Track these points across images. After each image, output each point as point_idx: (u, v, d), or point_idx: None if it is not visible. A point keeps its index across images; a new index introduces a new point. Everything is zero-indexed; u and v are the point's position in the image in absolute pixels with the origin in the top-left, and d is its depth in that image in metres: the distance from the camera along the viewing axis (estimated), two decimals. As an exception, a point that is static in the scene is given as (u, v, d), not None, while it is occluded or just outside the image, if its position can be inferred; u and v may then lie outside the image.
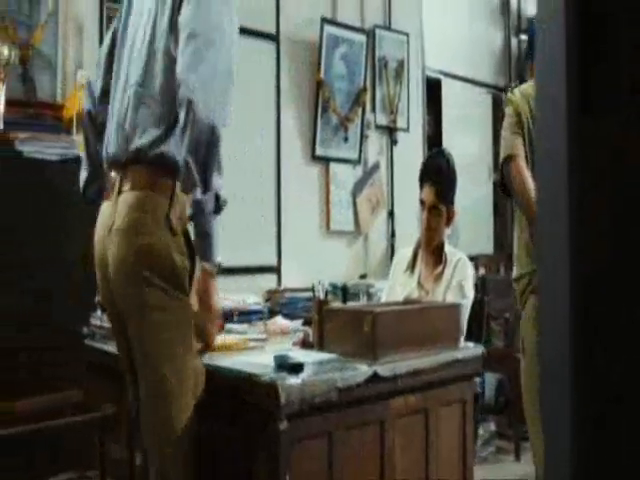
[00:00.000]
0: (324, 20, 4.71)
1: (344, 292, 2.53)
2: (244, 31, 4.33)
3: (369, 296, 4.29)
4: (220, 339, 2.42)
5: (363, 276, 4.77)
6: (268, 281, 4.29)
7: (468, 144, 5.85)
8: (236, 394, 1.90)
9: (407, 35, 5.33)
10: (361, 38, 4.98)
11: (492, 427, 4.36)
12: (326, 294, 2.36)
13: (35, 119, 3.27)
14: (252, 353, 2.24)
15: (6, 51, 3.19)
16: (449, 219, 2.93)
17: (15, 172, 2.95)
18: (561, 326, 0.79)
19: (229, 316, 2.80)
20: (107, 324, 2.54)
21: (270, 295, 4.03)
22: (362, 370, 1.98)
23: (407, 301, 2.62)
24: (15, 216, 2.88)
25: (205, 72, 1.77)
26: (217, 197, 1.81)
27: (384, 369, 2.03)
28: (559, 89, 0.77)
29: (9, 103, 3.17)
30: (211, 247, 1.83)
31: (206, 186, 1.77)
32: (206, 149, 1.76)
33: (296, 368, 1.88)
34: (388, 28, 5.24)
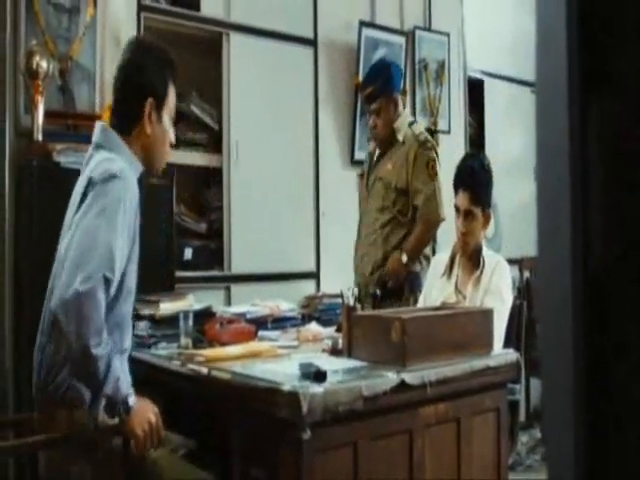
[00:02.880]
0: (362, 23, 4.68)
1: (374, 298, 2.50)
2: (281, 36, 4.35)
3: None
4: (249, 346, 2.42)
5: (404, 281, 4.70)
6: (307, 287, 4.27)
7: (512, 145, 5.73)
8: (258, 403, 1.88)
9: (448, 35, 5.26)
10: (400, 40, 4.93)
11: (538, 435, 4.25)
12: (355, 300, 2.32)
13: (73, 130, 3.33)
14: (279, 361, 2.22)
15: (45, 64, 3.24)
16: (485, 222, 2.86)
17: (53, 182, 2.99)
18: (564, 331, 0.75)
19: (263, 323, 2.78)
20: (142, 332, 2.57)
21: (309, 301, 4.02)
22: (389, 378, 1.94)
23: (443, 306, 2.56)
24: (52, 226, 2.92)
25: (70, 295, 1.79)
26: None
27: (412, 377, 1.99)
28: (560, 67, 0.72)
29: (48, 114, 3.23)
30: None
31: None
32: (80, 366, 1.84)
33: (319, 376, 1.85)
34: (428, 29, 5.17)
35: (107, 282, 1.81)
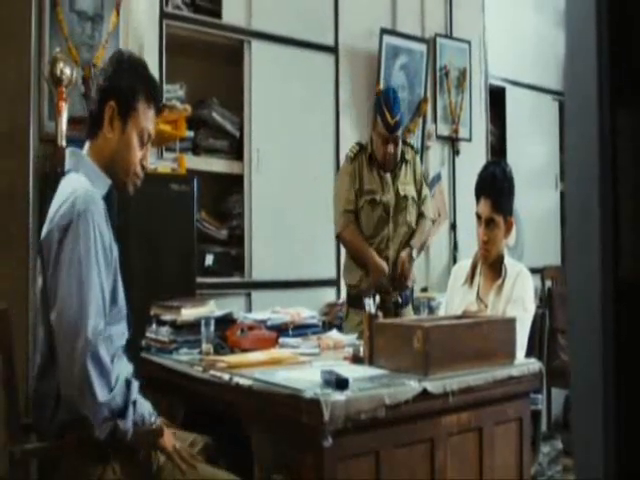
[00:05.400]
0: (383, 31, 4.68)
1: (396, 306, 2.49)
2: (302, 44, 4.36)
3: (430, 310, 4.22)
4: (271, 353, 2.42)
5: (424, 289, 4.69)
6: (327, 294, 4.26)
7: (534, 153, 5.70)
8: (280, 410, 1.88)
9: (469, 43, 5.25)
10: (421, 47, 4.92)
11: (559, 445, 4.20)
12: (377, 308, 2.31)
13: (96, 136, 3.35)
14: (301, 368, 2.21)
15: (69, 71, 3.27)
16: (507, 230, 2.84)
17: (76, 188, 3.00)
18: (593, 343, 0.74)
19: (284, 330, 2.78)
20: (164, 337, 2.58)
21: (329, 309, 4.01)
22: (411, 386, 1.93)
23: (465, 315, 2.55)
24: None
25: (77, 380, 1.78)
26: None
27: (434, 385, 1.98)
28: (590, 79, 0.72)
29: (72, 121, 3.25)
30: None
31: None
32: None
33: (341, 384, 1.84)
34: (449, 36, 5.17)
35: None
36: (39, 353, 1.92)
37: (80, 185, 1.92)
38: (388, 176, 3.58)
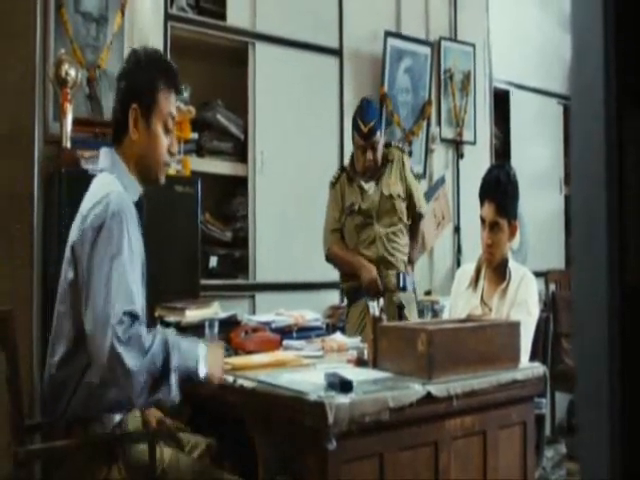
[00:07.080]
0: (388, 33, 4.69)
1: (400, 309, 2.49)
2: (307, 46, 4.37)
3: (434, 313, 4.21)
4: (275, 355, 2.42)
5: (428, 292, 4.69)
6: (331, 297, 4.26)
7: (538, 156, 5.70)
8: (284, 412, 1.87)
9: (473, 46, 5.25)
10: (426, 50, 4.93)
11: (563, 449, 4.19)
12: (381, 311, 2.31)
13: (101, 138, 3.35)
14: (305, 370, 2.21)
15: (73, 72, 3.28)
16: (511, 234, 2.84)
17: (81, 190, 3.00)
18: (598, 346, 0.74)
19: (288, 332, 2.78)
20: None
21: (333, 311, 4.00)
22: (415, 389, 1.93)
23: (469, 318, 2.54)
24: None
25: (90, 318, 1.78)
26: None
27: (438, 389, 1.97)
28: (597, 83, 0.72)
29: (76, 122, 3.26)
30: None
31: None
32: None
33: (345, 386, 1.84)
34: (454, 39, 5.17)
35: (133, 316, 1.78)
36: (62, 344, 1.91)
37: (114, 188, 1.93)
38: (369, 185, 3.61)
